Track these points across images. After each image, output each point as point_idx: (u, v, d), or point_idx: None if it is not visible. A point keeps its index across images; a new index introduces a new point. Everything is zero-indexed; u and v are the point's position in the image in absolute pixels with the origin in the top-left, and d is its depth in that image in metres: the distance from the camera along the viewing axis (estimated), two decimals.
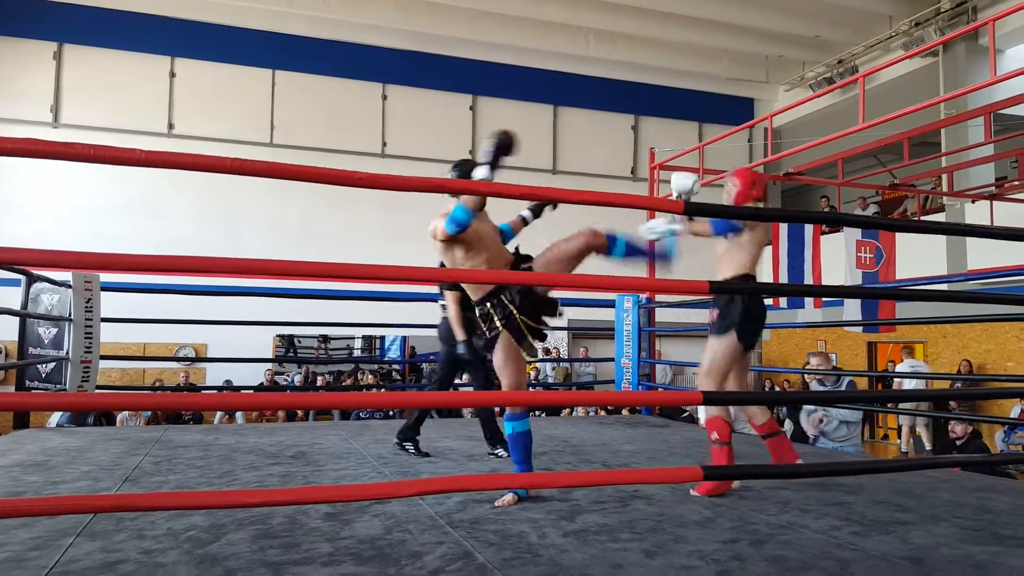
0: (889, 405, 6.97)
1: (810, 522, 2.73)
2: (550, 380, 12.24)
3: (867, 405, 6.41)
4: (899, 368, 10.45)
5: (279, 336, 11.73)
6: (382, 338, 12.60)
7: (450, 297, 4.01)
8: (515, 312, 3.05)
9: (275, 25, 11.69)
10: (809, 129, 10.59)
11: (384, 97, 12.47)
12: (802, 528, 2.65)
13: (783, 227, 7.64)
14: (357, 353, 12.74)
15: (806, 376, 9.74)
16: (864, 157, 11.51)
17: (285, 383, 11.23)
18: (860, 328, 9.00)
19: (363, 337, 12.65)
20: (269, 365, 11.05)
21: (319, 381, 11.35)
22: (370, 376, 11.33)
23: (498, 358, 3.09)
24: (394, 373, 12.55)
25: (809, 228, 7.59)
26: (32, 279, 4.98)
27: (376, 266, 2.45)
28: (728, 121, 13.29)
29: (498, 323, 3.05)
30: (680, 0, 11.22)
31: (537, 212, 3.54)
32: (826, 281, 7.65)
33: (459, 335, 3.96)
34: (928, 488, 3.42)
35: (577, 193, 2.20)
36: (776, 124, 12.49)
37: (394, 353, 12.52)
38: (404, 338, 12.38)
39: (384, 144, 12.34)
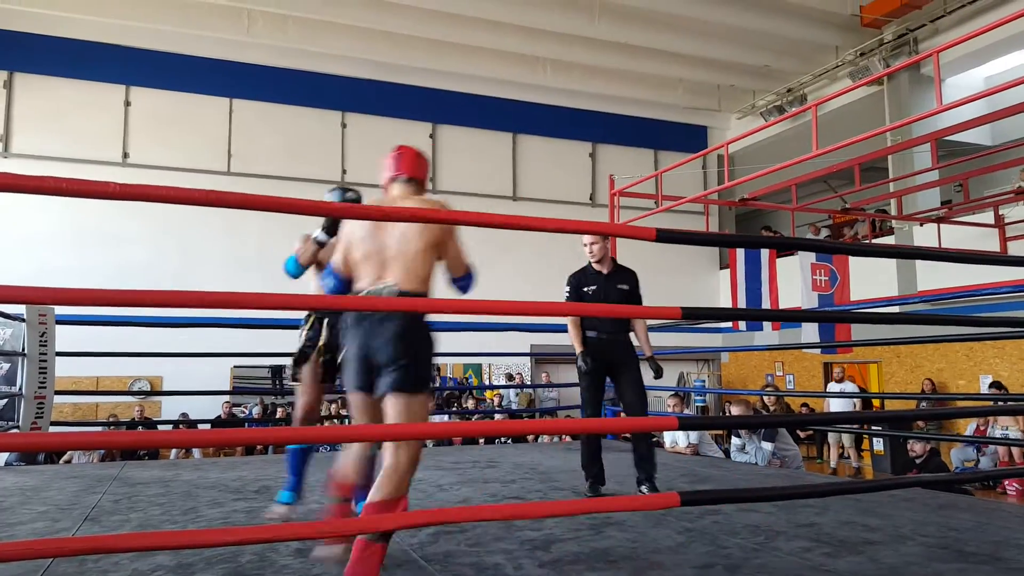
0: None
1: (782, 544, 2.76)
2: (514, 407, 12.21)
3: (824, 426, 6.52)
4: (842, 389, 10.64)
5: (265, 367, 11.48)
6: None
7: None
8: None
9: (232, 54, 11.60)
10: (760, 156, 10.88)
11: (344, 125, 12.44)
12: (774, 551, 2.68)
13: (739, 252, 7.81)
14: None
15: (766, 399, 9.90)
16: (815, 183, 11.86)
17: (242, 415, 10.97)
18: (818, 349, 9.21)
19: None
20: (227, 398, 10.79)
21: (279, 413, 11.11)
22: (335, 406, 11.11)
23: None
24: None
25: (765, 252, 7.78)
26: None
27: (332, 297, 2.45)
28: (683, 148, 13.61)
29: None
30: (635, 32, 11.47)
31: (331, 231, 3.14)
32: (783, 303, 7.83)
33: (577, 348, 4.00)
34: (892, 507, 3.49)
35: (546, 221, 2.22)
36: (730, 151, 12.80)
37: None
38: None
39: (344, 172, 12.28)
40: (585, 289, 4.10)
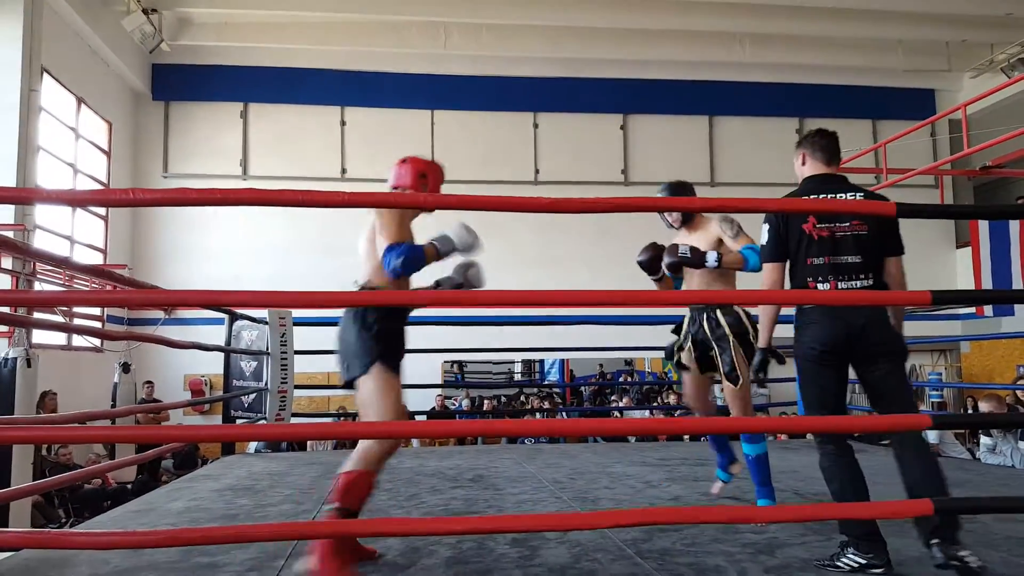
0: None
1: None
2: (719, 403, 11.67)
3: None
4: None
5: (447, 361, 12.07)
6: (541, 361, 12.65)
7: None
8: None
9: (431, 68, 12.25)
10: (1003, 117, 9.51)
11: (535, 125, 12.68)
12: None
13: (983, 227, 6.90)
14: (517, 377, 12.86)
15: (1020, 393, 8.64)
16: None
17: (453, 407, 11.56)
18: None
19: (523, 361, 12.75)
20: (439, 391, 11.42)
21: (486, 405, 11.59)
22: (536, 400, 11.36)
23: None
24: (555, 396, 12.56)
25: (1015, 225, 6.80)
26: (234, 317, 5.47)
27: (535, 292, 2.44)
28: (905, 116, 12.26)
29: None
30: None
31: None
32: None
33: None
34: None
35: (776, 202, 2.07)
36: (967, 113, 11.39)
37: (554, 376, 12.52)
38: (563, 361, 12.36)
39: (537, 172, 12.52)
40: None
